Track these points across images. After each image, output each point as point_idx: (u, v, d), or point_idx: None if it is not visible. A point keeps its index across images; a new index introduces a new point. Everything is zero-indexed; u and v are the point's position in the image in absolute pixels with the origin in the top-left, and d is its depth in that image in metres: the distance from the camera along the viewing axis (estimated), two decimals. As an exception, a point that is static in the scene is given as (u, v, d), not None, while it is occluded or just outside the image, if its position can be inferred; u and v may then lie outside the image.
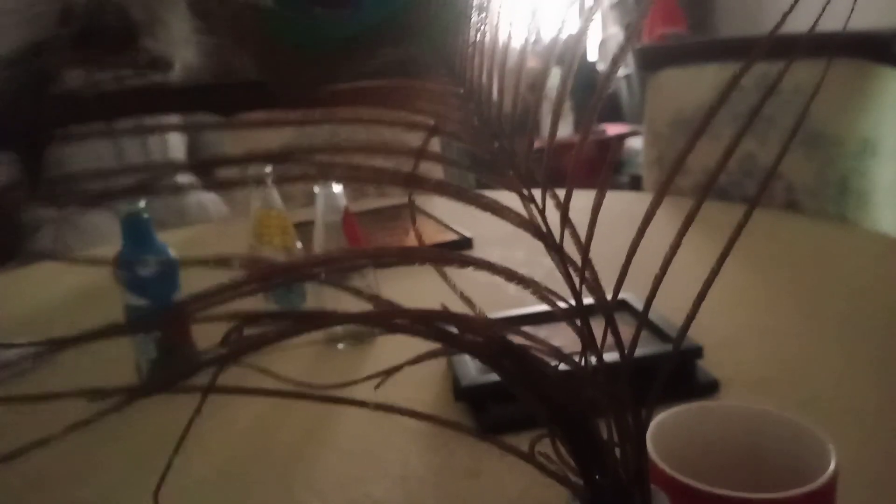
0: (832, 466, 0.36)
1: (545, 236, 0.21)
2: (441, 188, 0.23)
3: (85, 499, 0.60)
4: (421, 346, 0.87)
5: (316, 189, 0.83)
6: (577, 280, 0.21)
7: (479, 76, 0.30)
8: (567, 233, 0.24)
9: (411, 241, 1.15)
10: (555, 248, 0.21)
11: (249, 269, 0.21)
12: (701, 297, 0.26)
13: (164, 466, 0.24)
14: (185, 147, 2.49)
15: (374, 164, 0.26)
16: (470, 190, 0.24)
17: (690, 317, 0.24)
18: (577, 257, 0.25)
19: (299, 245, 0.94)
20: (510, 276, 0.22)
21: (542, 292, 0.21)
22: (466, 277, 0.27)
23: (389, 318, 0.21)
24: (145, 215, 0.75)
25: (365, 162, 0.22)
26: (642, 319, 0.24)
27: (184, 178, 2.38)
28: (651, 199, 0.27)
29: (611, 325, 0.20)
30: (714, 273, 0.26)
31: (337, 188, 0.83)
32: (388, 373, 0.27)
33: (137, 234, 0.75)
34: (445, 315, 0.21)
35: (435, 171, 1.56)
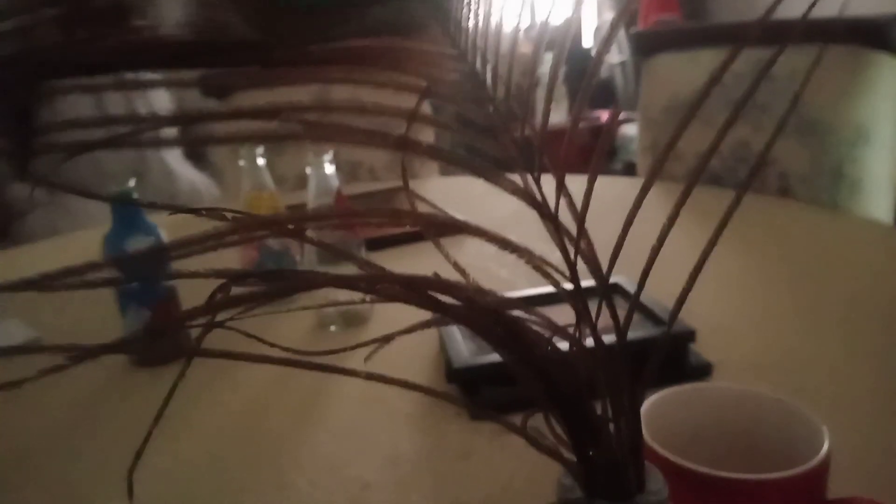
0: (825, 448, 0.36)
1: (540, 205, 0.21)
2: (433, 152, 0.22)
3: (76, 474, 0.59)
4: (416, 335, 0.87)
5: (308, 170, 0.82)
6: (572, 250, 0.21)
7: (475, 38, 0.29)
8: (562, 205, 0.24)
9: (405, 226, 1.15)
10: (550, 217, 0.20)
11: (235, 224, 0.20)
12: (693, 277, 0.25)
13: (145, 441, 0.23)
14: (176, 129, 2.47)
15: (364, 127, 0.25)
16: (462, 155, 0.24)
17: (682, 296, 0.23)
18: (571, 235, 0.25)
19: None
20: (504, 244, 0.21)
21: (535, 261, 0.21)
22: (460, 259, 0.27)
23: (380, 283, 0.21)
24: (134, 193, 0.74)
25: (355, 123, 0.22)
26: (635, 296, 0.24)
27: (175, 161, 2.37)
28: (643, 182, 0.26)
29: (606, 298, 0.20)
30: (705, 255, 0.25)
31: (329, 169, 0.82)
32: (381, 341, 0.26)
33: (126, 215, 0.74)
34: (437, 283, 0.21)
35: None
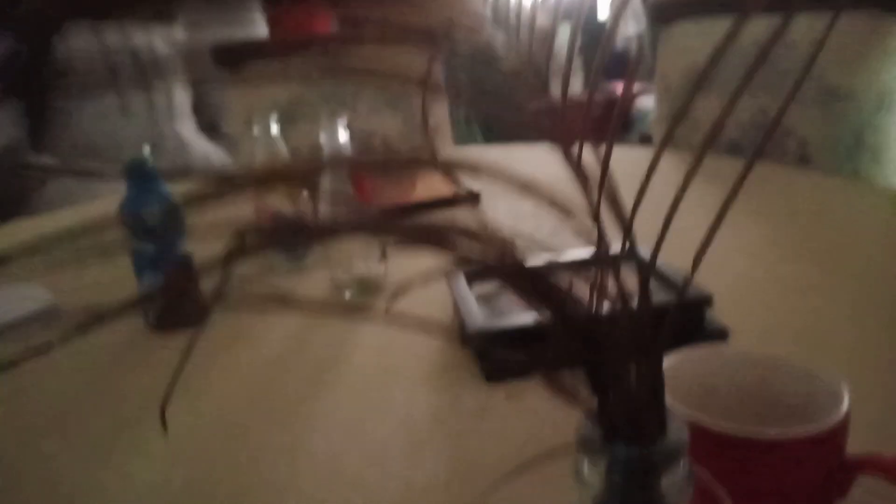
0: (845, 403, 0.35)
1: (567, 151, 0.20)
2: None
3: (97, 430, 0.60)
4: (430, 296, 0.87)
5: (321, 138, 0.82)
6: (595, 195, 0.21)
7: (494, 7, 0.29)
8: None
9: (420, 194, 1.14)
10: (583, 178, 0.19)
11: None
12: (707, 240, 0.25)
13: (173, 382, 0.23)
14: (189, 101, 2.47)
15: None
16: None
17: (698, 258, 0.23)
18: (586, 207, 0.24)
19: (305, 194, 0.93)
20: (521, 185, 0.21)
21: (556, 202, 0.20)
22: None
23: (400, 229, 0.20)
24: (149, 161, 0.74)
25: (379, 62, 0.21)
26: (655, 252, 0.23)
27: (189, 133, 2.37)
28: (657, 149, 0.26)
29: (628, 235, 0.19)
30: (719, 218, 0.25)
31: (343, 136, 0.82)
32: (400, 291, 0.26)
33: (141, 179, 0.74)
34: (458, 229, 0.20)
35: (444, 122, 1.54)
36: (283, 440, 0.57)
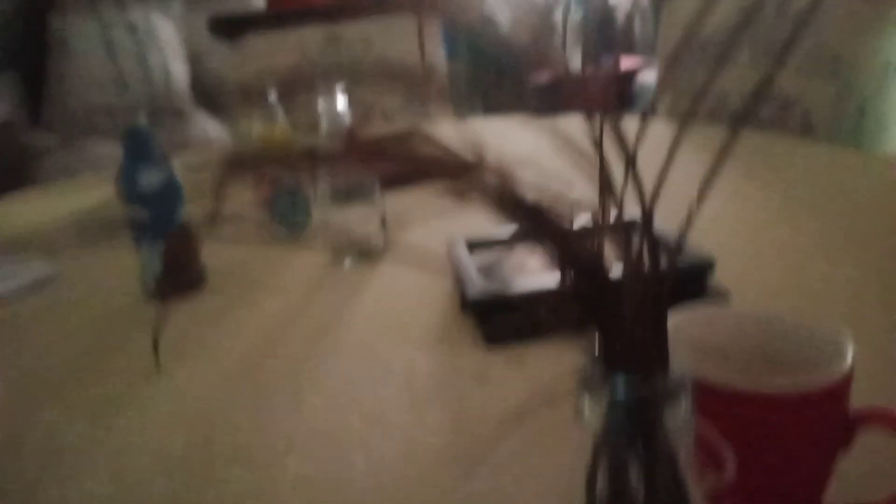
0: (849, 357, 0.35)
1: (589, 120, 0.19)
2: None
3: (96, 394, 0.60)
4: (435, 262, 0.86)
5: (319, 108, 0.81)
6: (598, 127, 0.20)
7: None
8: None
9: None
10: (599, 146, 0.19)
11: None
12: (700, 196, 0.24)
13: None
14: (188, 75, 2.45)
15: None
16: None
17: (691, 214, 0.22)
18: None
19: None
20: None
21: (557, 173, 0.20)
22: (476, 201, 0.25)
23: (399, 157, 0.20)
24: (146, 127, 0.74)
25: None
26: (652, 198, 0.23)
27: (187, 107, 2.35)
28: (670, 127, 0.25)
29: (631, 166, 0.19)
30: (711, 175, 0.24)
31: (341, 105, 0.81)
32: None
33: (138, 146, 0.73)
34: (455, 157, 0.20)
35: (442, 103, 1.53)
36: (283, 401, 0.57)
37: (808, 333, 0.39)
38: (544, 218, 0.17)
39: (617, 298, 0.18)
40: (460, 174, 0.18)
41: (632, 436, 0.20)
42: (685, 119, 0.22)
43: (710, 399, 0.35)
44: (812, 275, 0.71)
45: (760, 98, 0.28)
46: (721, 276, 0.66)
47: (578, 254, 0.17)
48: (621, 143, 0.21)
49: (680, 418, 0.20)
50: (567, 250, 0.17)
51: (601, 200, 0.18)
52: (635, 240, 0.18)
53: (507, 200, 0.17)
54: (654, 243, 0.18)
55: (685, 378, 0.19)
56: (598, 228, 0.18)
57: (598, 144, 0.21)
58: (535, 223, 0.17)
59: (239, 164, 0.18)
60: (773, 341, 0.41)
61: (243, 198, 0.98)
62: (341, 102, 0.82)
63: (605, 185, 0.18)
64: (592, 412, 0.20)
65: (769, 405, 0.34)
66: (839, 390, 0.35)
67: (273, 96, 0.92)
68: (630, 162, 0.22)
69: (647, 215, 0.18)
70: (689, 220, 0.22)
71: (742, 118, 0.24)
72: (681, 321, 0.41)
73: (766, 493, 0.38)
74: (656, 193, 0.26)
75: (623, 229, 0.18)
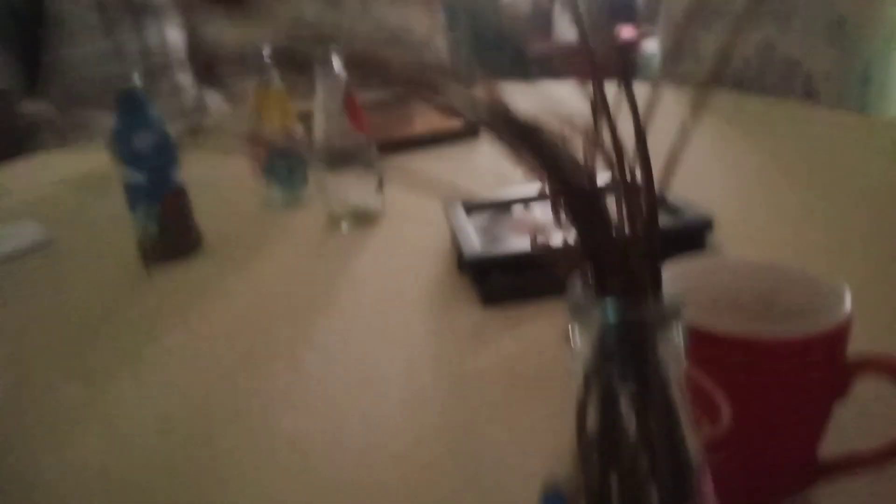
0: (846, 307, 0.35)
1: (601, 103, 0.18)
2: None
3: (93, 357, 0.60)
4: (426, 232, 0.86)
5: (316, 71, 0.80)
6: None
7: None
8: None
9: (417, 129, 1.13)
10: (604, 109, 0.18)
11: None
12: (680, 142, 0.23)
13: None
14: (185, 47, 2.42)
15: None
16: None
17: (671, 161, 0.21)
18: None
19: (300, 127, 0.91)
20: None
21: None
22: (473, 162, 0.24)
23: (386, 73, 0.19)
24: (140, 89, 0.73)
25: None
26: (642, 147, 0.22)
27: (183, 78, 2.33)
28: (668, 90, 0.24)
29: (624, 78, 0.18)
30: (689, 126, 0.22)
31: (338, 65, 0.80)
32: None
33: (132, 108, 0.73)
34: (445, 71, 0.19)
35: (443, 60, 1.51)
36: (279, 362, 0.57)
37: (806, 280, 0.39)
38: (535, 134, 0.17)
39: (609, 219, 0.17)
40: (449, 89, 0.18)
41: (623, 363, 0.19)
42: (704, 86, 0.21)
43: (707, 347, 0.35)
44: (812, 235, 0.71)
45: (726, 63, 0.27)
46: (720, 236, 0.66)
47: (570, 171, 0.17)
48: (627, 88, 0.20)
49: (672, 345, 0.19)
50: (558, 169, 0.17)
51: (593, 118, 0.17)
52: (627, 160, 0.18)
53: (499, 115, 0.16)
54: (647, 162, 0.17)
55: (678, 302, 0.19)
56: (590, 147, 0.17)
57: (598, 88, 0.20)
58: (526, 139, 0.16)
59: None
60: (772, 288, 0.40)
61: (238, 162, 0.98)
62: (338, 65, 0.81)
63: (599, 102, 0.17)
64: (583, 340, 0.20)
65: (766, 351, 0.34)
66: (836, 337, 0.34)
67: (267, 54, 0.91)
68: (626, 80, 0.21)
69: (641, 133, 0.17)
70: (670, 164, 0.21)
71: (717, 73, 0.23)
72: (679, 270, 0.41)
73: (761, 443, 0.37)
74: (649, 116, 0.25)
75: (615, 146, 0.17)
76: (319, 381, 0.54)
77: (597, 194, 0.17)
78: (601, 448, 0.21)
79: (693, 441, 0.22)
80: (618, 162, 0.17)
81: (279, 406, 0.52)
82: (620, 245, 0.18)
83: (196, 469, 0.46)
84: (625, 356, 0.19)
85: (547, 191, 0.17)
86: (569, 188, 0.17)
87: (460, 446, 0.46)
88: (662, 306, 0.19)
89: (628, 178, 0.17)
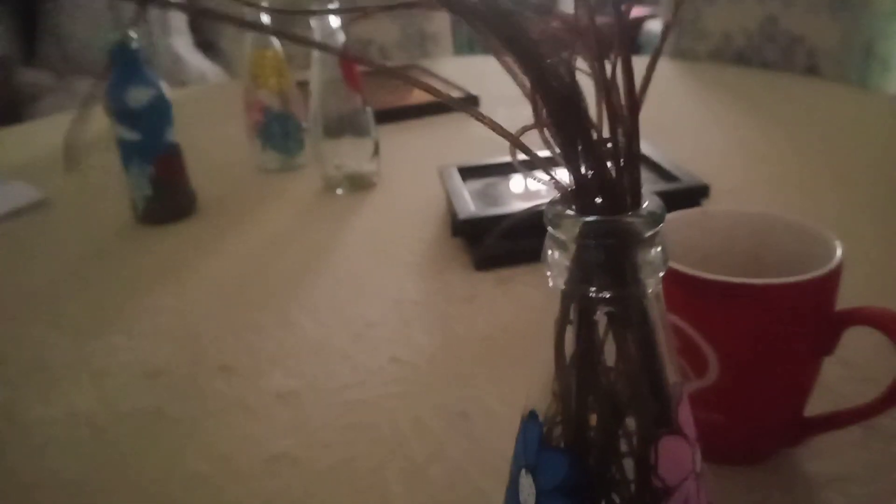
0: (837, 256, 0.34)
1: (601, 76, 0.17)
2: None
3: (83, 313, 0.60)
4: (422, 198, 0.85)
5: (312, 23, 0.79)
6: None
7: None
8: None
9: (414, 99, 1.12)
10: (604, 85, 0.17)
11: None
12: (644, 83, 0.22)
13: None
14: (185, 16, 2.40)
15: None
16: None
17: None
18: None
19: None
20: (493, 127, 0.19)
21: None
22: (470, 132, 0.24)
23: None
24: (134, 44, 0.72)
25: None
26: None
27: (184, 49, 2.32)
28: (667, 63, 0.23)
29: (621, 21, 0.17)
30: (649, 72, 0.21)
31: (335, 22, 0.79)
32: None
33: (126, 63, 0.72)
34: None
35: (443, 31, 1.50)
36: (270, 319, 0.57)
37: (798, 231, 0.39)
38: (515, 25, 0.16)
39: (588, 119, 0.17)
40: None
41: (601, 280, 0.19)
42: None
43: (696, 294, 0.35)
44: (811, 205, 0.70)
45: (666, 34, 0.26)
46: (714, 203, 0.65)
47: (550, 73, 0.16)
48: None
49: (651, 261, 0.19)
50: (537, 63, 0.16)
51: (575, 13, 0.17)
52: (609, 63, 0.17)
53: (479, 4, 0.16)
54: (629, 67, 0.17)
55: (657, 215, 0.18)
56: (571, 47, 0.17)
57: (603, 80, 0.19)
58: (505, 31, 0.16)
59: None
60: (763, 238, 0.40)
61: (234, 125, 0.97)
62: (335, 24, 0.80)
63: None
64: (560, 258, 0.19)
65: (754, 297, 0.34)
66: (826, 285, 0.34)
67: (266, 17, 0.90)
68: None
69: (624, 32, 0.17)
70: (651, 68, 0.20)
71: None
72: (670, 222, 0.40)
73: (747, 396, 0.37)
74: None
75: (598, 47, 0.17)
76: (310, 339, 0.54)
77: (576, 90, 0.16)
78: (578, 371, 0.21)
79: (672, 369, 0.22)
80: (598, 60, 0.16)
81: (269, 362, 0.52)
82: (599, 149, 0.17)
83: (184, 421, 0.46)
84: (603, 272, 0.19)
85: (526, 88, 0.17)
86: (547, 84, 0.16)
87: (450, 401, 0.46)
88: (641, 218, 0.18)
89: (608, 75, 0.17)
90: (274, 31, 0.27)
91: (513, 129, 0.20)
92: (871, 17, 1.12)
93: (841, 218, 0.66)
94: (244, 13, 0.82)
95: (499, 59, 0.17)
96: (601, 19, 0.18)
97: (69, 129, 0.52)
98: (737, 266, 0.40)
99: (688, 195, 0.63)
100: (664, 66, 1.17)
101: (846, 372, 0.45)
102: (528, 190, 0.72)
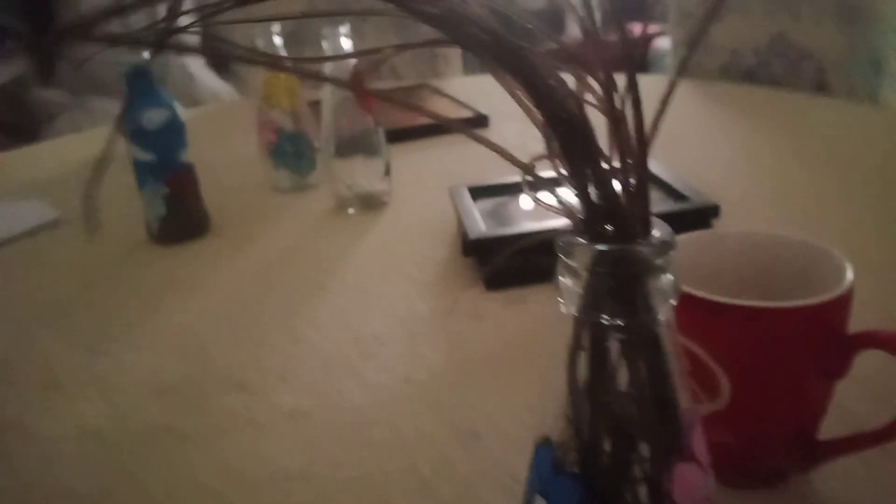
0: (848, 279, 0.34)
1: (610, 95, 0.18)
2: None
3: (93, 328, 0.61)
4: (433, 218, 0.86)
5: (324, 44, 0.80)
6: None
7: None
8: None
9: (425, 119, 1.12)
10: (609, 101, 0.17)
11: None
12: (660, 110, 0.22)
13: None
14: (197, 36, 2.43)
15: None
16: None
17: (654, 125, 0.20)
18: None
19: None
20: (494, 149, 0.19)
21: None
22: (480, 151, 0.24)
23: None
24: (149, 66, 0.73)
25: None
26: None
27: (195, 67, 2.34)
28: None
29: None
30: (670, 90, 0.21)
31: (346, 42, 0.79)
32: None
33: (141, 86, 0.73)
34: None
35: (453, 50, 1.51)
36: (281, 336, 0.57)
37: (809, 253, 0.39)
38: (526, 59, 0.16)
39: (598, 150, 0.17)
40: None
41: (613, 307, 0.19)
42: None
43: (707, 317, 0.35)
44: (821, 225, 0.70)
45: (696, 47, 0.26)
46: (727, 224, 0.65)
47: (558, 100, 0.17)
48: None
49: (662, 287, 0.19)
50: (548, 96, 0.16)
51: (586, 42, 0.17)
52: (617, 96, 0.17)
53: (490, 37, 0.16)
54: (637, 98, 0.17)
55: (668, 243, 0.19)
56: (581, 79, 0.17)
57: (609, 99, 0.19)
58: (517, 65, 0.16)
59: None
60: (774, 261, 0.40)
61: (247, 144, 0.98)
62: (347, 46, 0.81)
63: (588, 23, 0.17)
64: (573, 285, 0.20)
65: (767, 320, 0.34)
66: (838, 307, 0.34)
67: (278, 39, 0.91)
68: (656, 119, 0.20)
69: (632, 62, 0.17)
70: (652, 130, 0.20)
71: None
72: (681, 244, 0.41)
73: (760, 420, 0.37)
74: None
75: (605, 78, 0.17)
76: (320, 356, 0.54)
77: (585, 122, 0.17)
78: (591, 397, 0.21)
79: (685, 397, 0.22)
80: (606, 94, 0.17)
81: (280, 379, 0.52)
82: (609, 179, 0.17)
83: (194, 438, 0.47)
84: (615, 299, 0.19)
85: (537, 120, 0.17)
86: (557, 116, 0.17)
87: (461, 420, 0.46)
88: (652, 247, 0.19)
89: (618, 109, 0.17)
90: (291, 68, 0.27)
91: (522, 147, 0.21)
92: (880, 31, 1.12)
93: (850, 235, 0.66)
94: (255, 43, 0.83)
95: (511, 94, 0.17)
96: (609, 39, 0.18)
97: (86, 190, 0.53)
98: (747, 287, 0.40)
99: (698, 215, 0.63)
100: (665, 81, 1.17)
101: (860, 391, 0.44)
102: (537, 209, 0.72)
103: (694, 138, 0.98)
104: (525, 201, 0.74)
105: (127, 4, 0.16)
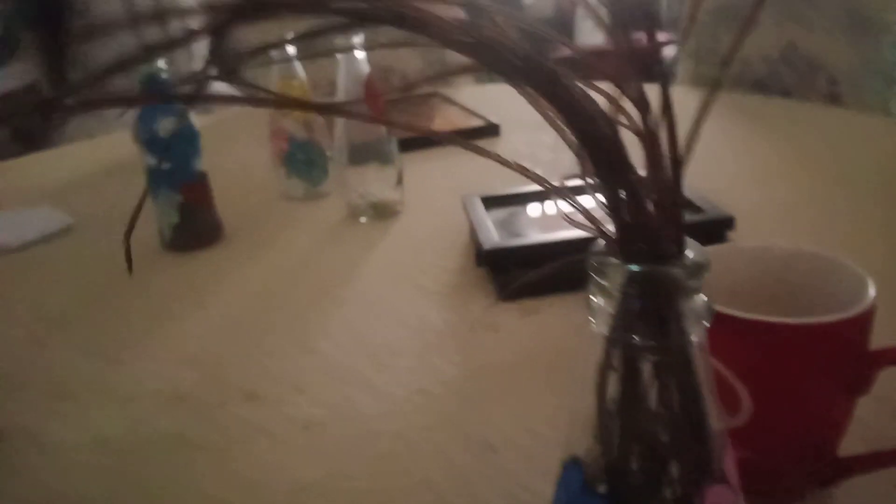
0: (870, 295, 0.34)
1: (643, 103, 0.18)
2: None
3: (106, 336, 0.61)
4: (445, 227, 0.85)
5: (338, 56, 0.80)
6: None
7: None
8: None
9: (436, 127, 1.12)
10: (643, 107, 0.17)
11: None
12: (693, 132, 0.22)
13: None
14: (208, 45, 2.44)
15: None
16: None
17: (687, 147, 0.20)
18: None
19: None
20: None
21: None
22: (493, 165, 0.24)
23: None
24: (164, 75, 0.73)
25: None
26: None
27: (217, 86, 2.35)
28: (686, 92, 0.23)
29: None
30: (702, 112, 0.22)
31: (360, 54, 0.80)
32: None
33: (155, 92, 0.73)
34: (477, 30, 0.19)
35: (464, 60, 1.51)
36: (296, 346, 0.57)
37: (830, 269, 0.38)
38: (557, 79, 0.16)
39: (632, 169, 0.17)
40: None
41: (645, 327, 0.19)
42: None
43: (728, 332, 0.35)
44: (835, 236, 0.70)
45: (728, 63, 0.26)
46: (742, 235, 0.65)
47: (591, 121, 0.17)
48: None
49: (695, 309, 0.19)
50: (580, 116, 0.16)
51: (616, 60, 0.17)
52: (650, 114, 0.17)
53: (521, 58, 0.16)
54: (672, 119, 0.17)
55: (702, 265, 0.18)
56: (612, 98, 0.17)
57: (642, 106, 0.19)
58: (548, 85, 0.16)
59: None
60: (795, 275, 0.40)
61: (259, 153, 0.98)
62: (360, 56, 0.81)
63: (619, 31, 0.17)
64: (605, 304, 0.19)
65: (788, 336, 0.33)
66: (860, 324, 0.34)
67: (292, 48, 0.91)
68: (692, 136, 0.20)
69: (664, 76, 0.17)
70: (687, 151, 0.20)
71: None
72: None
73: (780, 436, 0.37)
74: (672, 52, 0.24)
75: (638, 96, 0.17)
76: (333, 367, 0.54)
77: (619, 143, 0.17)
78: (622, 418, 0.21)
79: (716, 419, 0.22)
80: (641, 112, 0.17)
81: (294, 390, 0.52)
82: (643, 199, 0.17)
83: (208, 448, 0.47)
84: (647, 319, 0.19)
85: (570, 140, 0.17)
86: (591, 137, 0.17)
87: (475, 433, 0.46)
88: (686, 268, 0.18)
89: (651, 129, 0.17)
90: (317, 107, 0.27)
91: (532, 156, 0.20)
92: (892, 44, 1.11)
93: (861, 246, 0.66)
94: (270, 50, 0.83)
95: (544, 115, 0.17)
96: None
97: (125, 238, 0.53)
98: (765, 302, 0.40)
99: (713, 227, 0.63)
100: (682, 92, 1.17)
101: (880, 407, 0.44)
102: (549, 219, 0.72)
103: (703, 148, 0.97)
104: (538, 210, 0.74)
105: (133, 58, 0.16)
